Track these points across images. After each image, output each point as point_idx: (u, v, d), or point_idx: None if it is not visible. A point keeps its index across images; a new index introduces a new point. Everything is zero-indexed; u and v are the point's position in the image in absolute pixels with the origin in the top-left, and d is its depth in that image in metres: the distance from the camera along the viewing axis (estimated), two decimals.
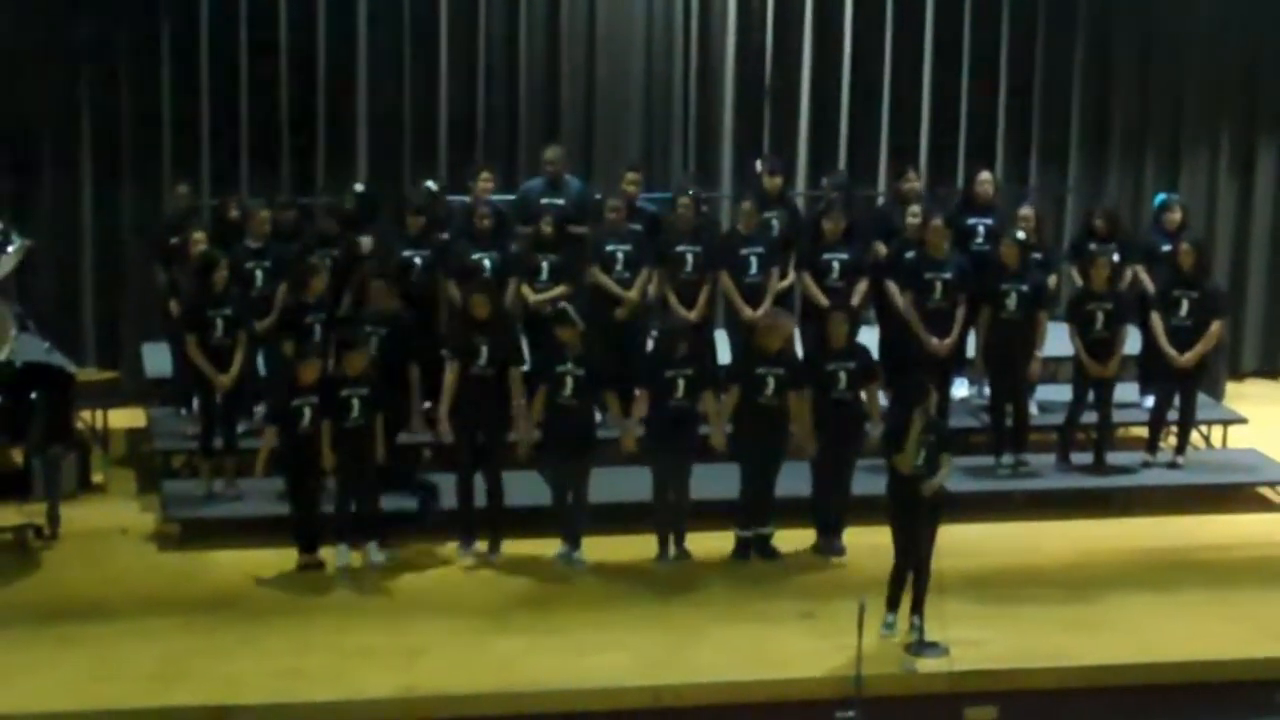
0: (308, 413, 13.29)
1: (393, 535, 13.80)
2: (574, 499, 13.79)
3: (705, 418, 13.79)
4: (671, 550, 13.88)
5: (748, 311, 15.02)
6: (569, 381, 13.58)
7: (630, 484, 14.01)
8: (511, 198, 16.03)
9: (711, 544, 13.93)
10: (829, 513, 13.99)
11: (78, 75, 17.06)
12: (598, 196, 15.85)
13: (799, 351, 14.29)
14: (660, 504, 13.84)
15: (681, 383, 13.59)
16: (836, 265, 15.22)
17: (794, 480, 13.94)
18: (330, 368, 13.65)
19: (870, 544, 13.42)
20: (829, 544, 13.98)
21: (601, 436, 14.05)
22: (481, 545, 13.86)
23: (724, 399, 13.75)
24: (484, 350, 13.59)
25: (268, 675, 11.86)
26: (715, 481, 13.95)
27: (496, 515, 13.87)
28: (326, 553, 13.54)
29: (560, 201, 15.63)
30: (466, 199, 15.62)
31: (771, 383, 13.59)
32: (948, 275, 14.98)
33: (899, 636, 12.47)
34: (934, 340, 14.93)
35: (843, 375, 13.69)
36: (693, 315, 14.89)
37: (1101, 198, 17.35)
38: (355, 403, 13.34)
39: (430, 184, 15.89)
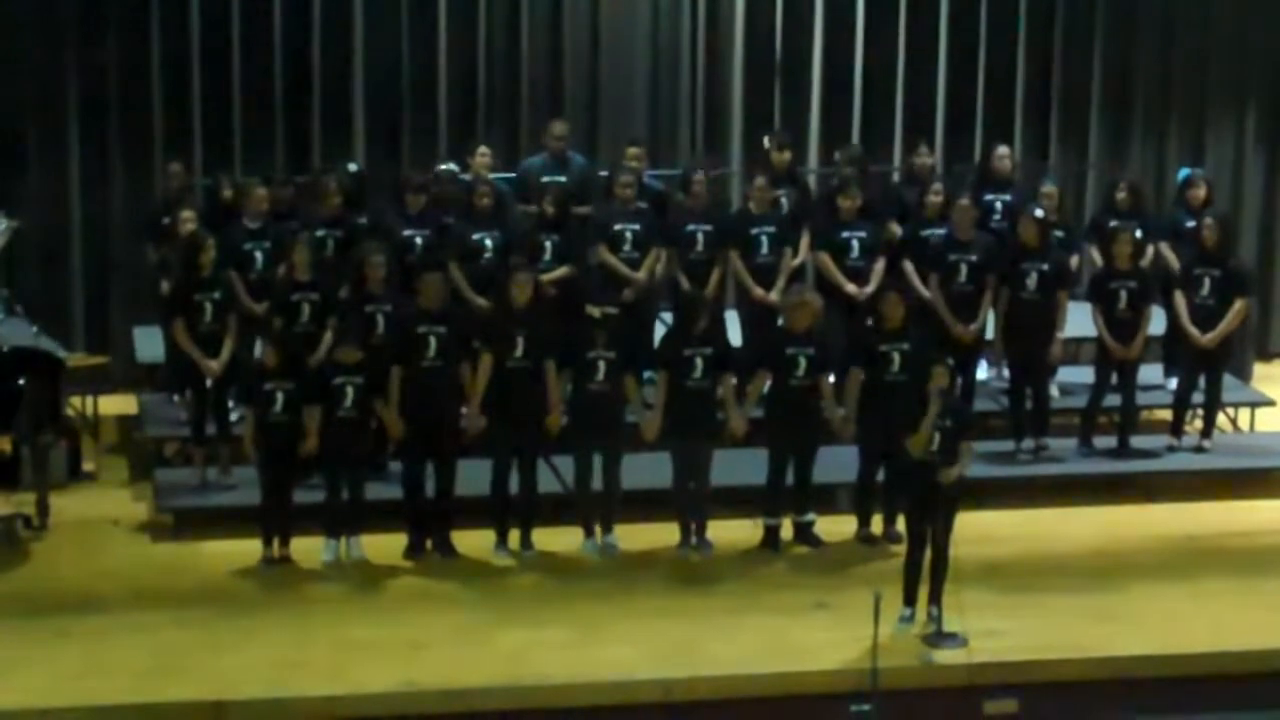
0: (280, 398, 13.06)
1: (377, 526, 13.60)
2: (605, 484, 13.62)
3: (722, 402, 13.59)
4: (693, 539, 13.67)
5: (758, 291, 14.85)
6: (600, 366, 13.41)
7: (648, 470, 13.83)
8: (511, 175, 15.81)
9: (728, 532, 13.77)
10: (873, 500, 13.79)
11: (64, 52, 16.88)
12: (602, 174, 15.58)
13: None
14: (681, 491, 13.63)
15: (700, 363, 13.38)
16: (856, 244, 15.01)
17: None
18: (327, 353, 13.49)
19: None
20: (885, 532, 13.77)
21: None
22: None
23: (752, 384, 13.57)
24: (520, 342, 13.37)
25: (265, 668, 11.70)
26: (735, 467, 13.79)
27: (530, 509, 13.68)
28: (308, 545, 13.33)
29: (563, 179, 15.34)
30: (466, 176, 15.39)
31: (803, 363, 13.42)
32: (973, 257, 14.79)
33: (916, 628, 12.23)
34: (959, 325, 14.71)
35: (896, 356, 13.50)
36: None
37: (1123, 172, 17.08)
38: (349, 391, 13.12)
39: (452, 166, 15.65)
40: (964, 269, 14.75)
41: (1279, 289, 18.88)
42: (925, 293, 14.81)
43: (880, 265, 15.00)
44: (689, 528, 13.68)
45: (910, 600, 12.34)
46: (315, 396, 13.13)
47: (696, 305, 13.71)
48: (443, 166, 15.68)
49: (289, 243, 14.29)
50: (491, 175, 15.34)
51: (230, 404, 14.16)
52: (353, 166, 15.77)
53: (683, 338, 13.55)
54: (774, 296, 14.78)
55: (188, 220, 14.55)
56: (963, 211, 14.85)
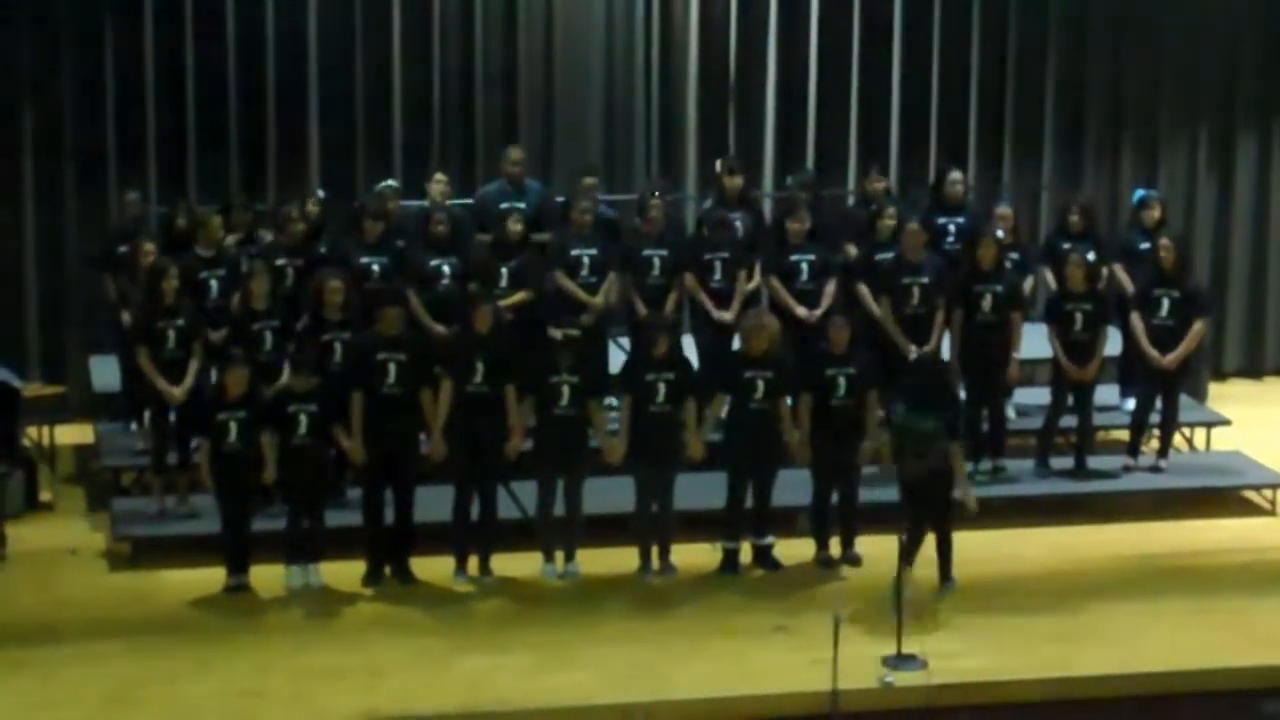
0: (234, 427, 13.03)
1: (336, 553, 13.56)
2: (567, 510, 13.58)
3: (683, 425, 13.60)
4: (655, 564, 13.67)
5: (716, 313, 14.82)
6: (564, 391, 13.37)
7: (610, 495, 13.82)
8: (468, 201, 15.77)
9: (687, 556, 13.78)
10: (829, 523, 13.79)
11: (19, 80, 16.84)
12: (559, 199, 15.58)
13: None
14: (643, 515, 13.63)
15: (663, 387, 13.39)
16: (805, 267, 15.03)
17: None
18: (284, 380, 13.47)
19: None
20: (844, 554, 13.81)
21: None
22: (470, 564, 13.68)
23: (710, 408, 13.55)
24: (480, 367, 13.33)
25: (224, 698, 11.65)
26: (694, 491, 13.79)
27: (489, 535, 13.63)
28: (267, 573, 13.28)
29: (522, 205, 15.32)
30: (424, 203, 15.35)
31: (761, 386, 13.43)
32: (925, 279, 14.79)
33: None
34: (912, 347, 14.70)
35: (843, 381, 13.55)
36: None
37: (1077, 194, 17.10)
38: (303, 419, 13.11)
39: (392, 182, 15.62)
40: (916, 291, 14.76)
41: (1232, 309, 18.94)
42: (882, 317, 14.81)
43: (831, 288, 15.01)
44: (649, 552, 13.66)
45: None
46: (270, 425, 13.10)
47: (653, 329, 13.72)
48: (384, 184, 15.65)
49: (245, 271, 14.26)
50: (455, 203, 15.34)
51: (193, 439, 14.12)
52: (320, 193, 15.74)
53: (645, 362, 13.56)
54: (729, 316, 14.78)
55: (149, 252, 14.47)
56: (912, 234, 14.85)
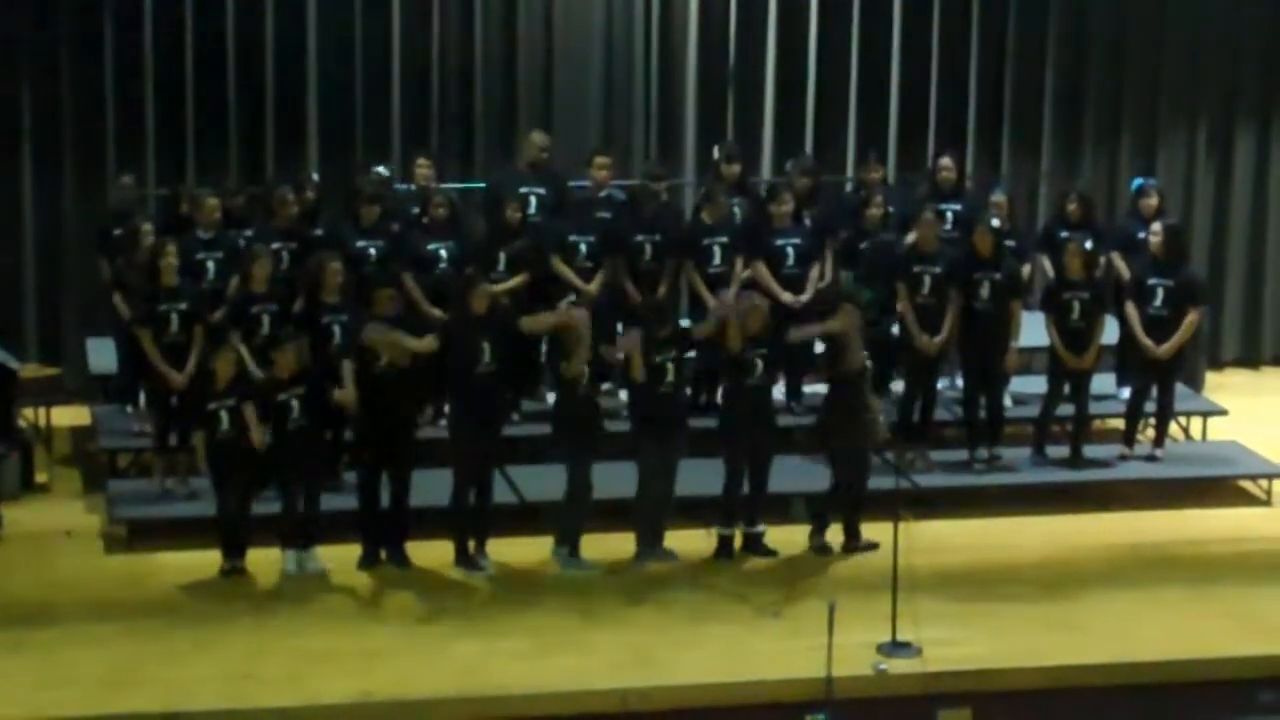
0: (225, 416, 13.03)
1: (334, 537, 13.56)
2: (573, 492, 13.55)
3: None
4: (654, 549, 13.63)
5: (713, 300, 14.79)
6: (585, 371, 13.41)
7: (607, 481, 13.76)
8: (462, 186, 15.77)
9: (683, 542, 13.78)
10: (827, 509, 13.81)
11: (17, 62, 16.80)
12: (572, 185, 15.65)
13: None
14: (644, 499, 13.61)
15: (670, 368, 13.38)
16: (791, 251, 14.99)
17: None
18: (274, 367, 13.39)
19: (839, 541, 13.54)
20: (852, 543, 13.81)
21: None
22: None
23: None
24: (486, 348, 13.30)
25: (220, 680, 11.67)
26: (694, 478, 13.77)
27: (486, 519, 13.60)
28: (264, 557, 13.28)
29: (542, 191, 15.29)
30: (412, 187, 15.38)
31: (759, 365, 13.45)
32: (937, 270, 14.76)
33: None
34: (924, 337, 14.67)
35: None
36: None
37: (1076, 183, 17.09)
38: (295, 404, 13.11)
39: (382, 169, 15.61)
40: (927, 280, 14.74)
41: (1230, 298, 18.89)
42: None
43: (815, 273, 15.00)
44: (648, 536, 13.64)
45: None
46: (262, 411, 13.08)
47: (660, 310, 13.71)
48: (377, 169, 15.63)
49: (242, 253, 14.23)
50: (453, 186, 15.33)
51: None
52: (315, 177, 15.71)
53: (651, 344, 13.52)
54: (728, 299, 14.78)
55: (148, 233, 14.43)
56: (927, 224, 14.83)
